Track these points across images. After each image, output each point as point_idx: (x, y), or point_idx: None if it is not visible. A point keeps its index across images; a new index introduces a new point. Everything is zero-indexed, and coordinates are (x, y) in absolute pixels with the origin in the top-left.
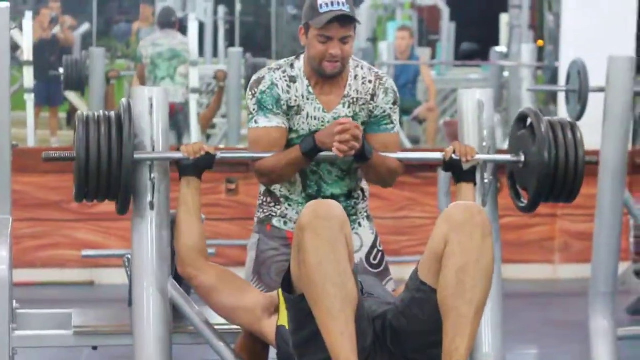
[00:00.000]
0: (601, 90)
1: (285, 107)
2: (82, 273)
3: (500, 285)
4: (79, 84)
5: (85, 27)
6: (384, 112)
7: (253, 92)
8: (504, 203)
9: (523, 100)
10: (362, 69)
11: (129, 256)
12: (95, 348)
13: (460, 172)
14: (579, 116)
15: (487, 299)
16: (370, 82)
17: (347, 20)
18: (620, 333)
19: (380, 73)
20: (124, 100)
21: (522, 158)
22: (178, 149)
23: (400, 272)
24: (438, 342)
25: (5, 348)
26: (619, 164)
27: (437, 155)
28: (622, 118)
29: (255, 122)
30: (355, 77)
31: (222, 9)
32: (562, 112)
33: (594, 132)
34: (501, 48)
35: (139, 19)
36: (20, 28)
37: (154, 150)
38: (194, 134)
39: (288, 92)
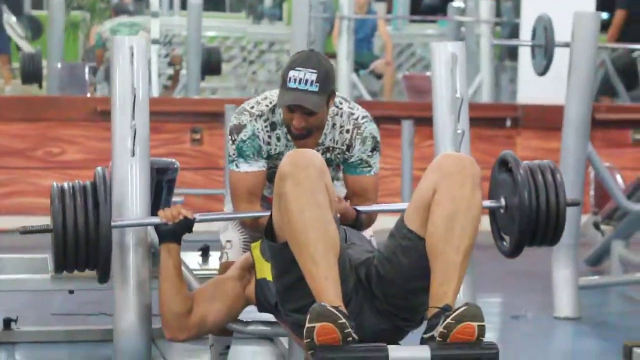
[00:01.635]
0: (566, 45)
1: (265, 155)
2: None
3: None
4: (36, 77)
5: None
6: (361, 159)
7: (233, 138)
8: (476, 157)
9: (481, 55)
10: (341, 116)
11: None
12: (71, 292)
13: None
14: (544, 70)
15: (473, 247)
16: (347, 131)
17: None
18: (582, 282)
19: (360, 119)
20: (99, 169)
21: (503, 203)
22: (156, 214)
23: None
24: (423, 288)
25: None
26: (583, 118)
27: None
28: (586, 73)
29: (237, 165)
30: (333, 125)
31: None
32: (523, 67)
33: (558, 86)
34: (458, 3)
35: None
36: None
37: (134, 100)
38: (155, 87)
39: (269, 143)
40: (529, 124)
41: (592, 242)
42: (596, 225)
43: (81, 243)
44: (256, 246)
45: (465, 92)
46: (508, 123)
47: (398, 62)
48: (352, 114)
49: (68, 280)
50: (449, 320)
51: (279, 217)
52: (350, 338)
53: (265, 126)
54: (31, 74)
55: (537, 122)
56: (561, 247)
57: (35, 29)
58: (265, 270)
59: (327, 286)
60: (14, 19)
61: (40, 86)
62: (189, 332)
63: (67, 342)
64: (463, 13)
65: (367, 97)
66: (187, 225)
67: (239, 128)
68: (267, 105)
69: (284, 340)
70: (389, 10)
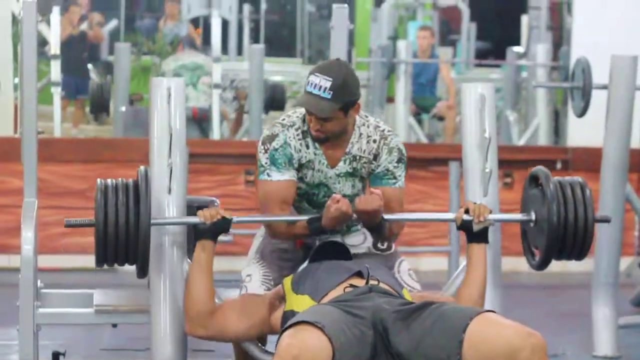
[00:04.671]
0: (604, 87)
1: (296, 165)
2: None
3: (499, 277)
4: (104, 107)
5: (113, 23)
6: (387, 169)
7: (266, 147)
8: (516, 197)
9: (538, 99)
10: (367, 127)
11: None
12: (115, 325)
13: (472, 232)
14: (583, 112)
15: None
16: (374, 141)
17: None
18: (622, 322)
19: (387, 131)
20: (141, 168)
21: (533, 217)
22: (195, 214)
23: (414, 262)
24: None
25: (29, 324)
26: (620, 159)
27: (449, 216)
28: (624, 114)
29: (268, 175)
30: (360, 135)
31: (247, 7)
32: None
33: (598, 128)
34: (518, 48)
35: (164, 15)
36: (48, 23)
37: (171, 139)
38: (216, 130)
39: (300, 151)
40: (579, 166)
41: (638, 282)
42: None
43: (121, 238)
44: (288, 279)
45: (494, 132)
46: (558, 165)
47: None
48: (378, 126)
49: (111, 314)
50: None
51: None
52: None
53: (297, 134)
54: (99, 103)
55: (587, 164)
56: (600, 286)
57: (110, 74)
58: (294, 304)
59: None
60: (90, 64)
61: (108, 114)
62: (207, 332)
63: None
64: (523, 57)
65: (424, 140)
66: (224, 224)
67: (271, 137)
68: (298, 116)
69: None
70: (454, 55)
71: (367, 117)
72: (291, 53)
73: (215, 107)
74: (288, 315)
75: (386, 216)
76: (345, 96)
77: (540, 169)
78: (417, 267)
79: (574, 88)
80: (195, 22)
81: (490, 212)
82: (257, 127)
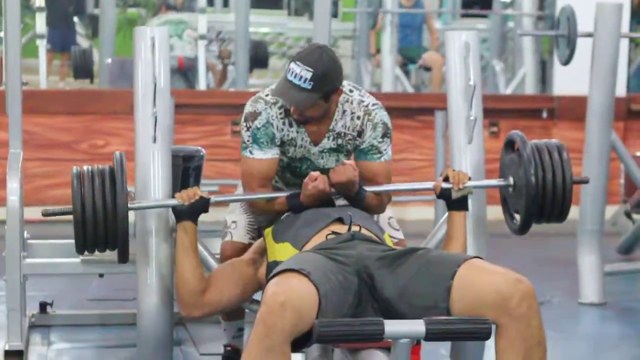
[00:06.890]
0: (589, 35)
1: (279, 142)
2: None
3: (485, 227)
4: (88, 72)
5: None
6: (372, 145)
7: (248, 125)
8: (502, 145)
9: (524, 49)
10: (351, 103)
11: None
12: (101, 275)
13: (452, 200)
14: (568, 60)
15: None
16: (358, 117)
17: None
18: (607, 269)
19: (371, 106)
20: (117, 153)
21: (511, 182)
22: (173, 196)
23: (400, 211)
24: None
25: (16, 274)
26: (605, 107)
27: (428, 185)
28: (608, 62)
29: (250, 152)
30: (344, 112)
31: None
32: None
33: (584, 77)
34: None
35: None
36: None
37: (155, 88)
38: (202, 81)
39: (282, 130)
40: (565, 115)
41: (624, 231)
42: (627, 214)
43: (100, 224)
44: (269, 232)
45: (478, 79)
46: (544, 114)
47: None
48: (362, 101)
49: (97, 264)
50: None
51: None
52: None
53: (280, 113)
54: (82, 68)
55: (572, 113)
56: (585, 233)
57: (96, 27)
58: (276, 253)
59: None
60: (75, 18)
61: (92, 81)
62: (203, 310)
63: (100, 326)
64: (509, 7)
65: (411, 90)
66: (202, 204)
67: (254, 115)
68: None
69: None
70: (440, 5)
71: (351, 91)
72: (277, 4)
73: (201, 57)
74: (272, 265)
75: (365, 188)
76: (325, 86)
77: (516, 133)
78: (402, 217)
79: (559, 36)
80: None
81: (469, 179)
82: (242, 78)
